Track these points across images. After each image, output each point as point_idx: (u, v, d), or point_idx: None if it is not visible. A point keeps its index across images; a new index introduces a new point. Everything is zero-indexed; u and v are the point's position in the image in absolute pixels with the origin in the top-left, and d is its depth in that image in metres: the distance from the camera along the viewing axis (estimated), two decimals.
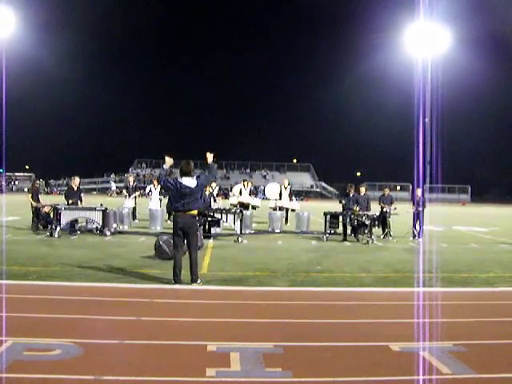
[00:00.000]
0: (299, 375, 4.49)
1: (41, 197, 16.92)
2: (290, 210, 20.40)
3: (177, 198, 8.25)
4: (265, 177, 77.81)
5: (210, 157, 8.73)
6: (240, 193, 19.37)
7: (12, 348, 4.92)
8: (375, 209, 16.31)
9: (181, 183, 8.26)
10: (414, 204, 16.70)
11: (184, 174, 8.38)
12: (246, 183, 19.82)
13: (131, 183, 20.35)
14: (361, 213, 15.09)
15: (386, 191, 17.48)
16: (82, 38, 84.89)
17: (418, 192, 16.56)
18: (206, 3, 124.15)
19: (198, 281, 8.22)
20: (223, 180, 70.99)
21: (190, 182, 8.31)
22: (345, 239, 15.33)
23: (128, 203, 19.57)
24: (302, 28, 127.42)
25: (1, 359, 4.62)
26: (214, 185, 18.87)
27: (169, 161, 8.71)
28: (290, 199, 20.41)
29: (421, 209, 16.25)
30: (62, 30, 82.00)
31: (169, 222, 19.34)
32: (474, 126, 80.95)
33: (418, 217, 16.34)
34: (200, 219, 8.73)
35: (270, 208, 20.43)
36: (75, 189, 16.05)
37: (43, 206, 15.95)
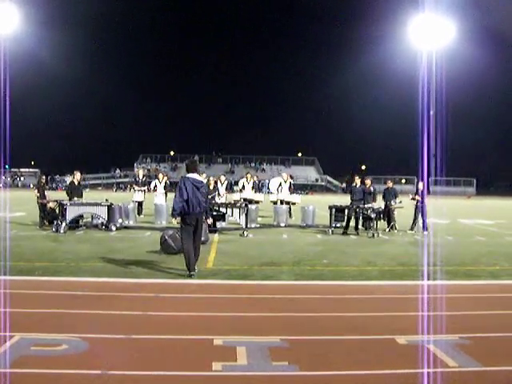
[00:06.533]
0: (305, 369, 4.49)
1: (46, 192, 16.94)
2: (290, 204, 20.26)
3: (191, 193, 8.64)
4: (267, 170, 77.69)
5: None
6: (243, 187, 19.26)
7: (19, 343, 4.94)
8: (379, 202, 16.27)
9: (194, 179, 8.82)
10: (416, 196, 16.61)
11: (192, 170, 8.98)
12: (249, 176, 19.69)
13: (140, 177, 20.43)
14: (366, 206, 15.05)
15: (390, 184, 17.43)
16: (86, 33, 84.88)
17: (420, 185, 16.49)
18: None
19: (196, 270, 8.56)
20: (228, 174, 71.01)
21: (199, 177, 9.08)
22: (345, 232, 15.27)
23: (136, 197, 19.61)
24: (308, 21, 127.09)
25: (9, 354, 4.64)
26: (223, 178, 18.83)
27: None
28: (291, 193, 20.26)
29: (425, 201, 16.17)
30: (67, 25, 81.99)
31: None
32: (478, 119, 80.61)
33: (421, 210, 16.27)
34: (207, 212, 9.20)
35: (271, 202, 20.35)
36: (77, 184, 16.20)
37: (48, 202, 16.00)
